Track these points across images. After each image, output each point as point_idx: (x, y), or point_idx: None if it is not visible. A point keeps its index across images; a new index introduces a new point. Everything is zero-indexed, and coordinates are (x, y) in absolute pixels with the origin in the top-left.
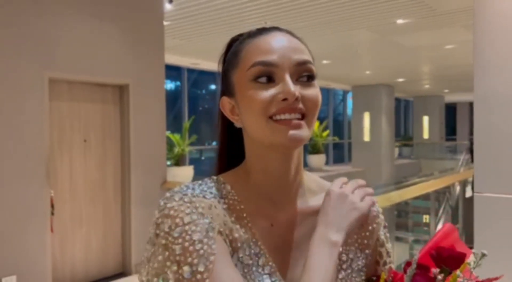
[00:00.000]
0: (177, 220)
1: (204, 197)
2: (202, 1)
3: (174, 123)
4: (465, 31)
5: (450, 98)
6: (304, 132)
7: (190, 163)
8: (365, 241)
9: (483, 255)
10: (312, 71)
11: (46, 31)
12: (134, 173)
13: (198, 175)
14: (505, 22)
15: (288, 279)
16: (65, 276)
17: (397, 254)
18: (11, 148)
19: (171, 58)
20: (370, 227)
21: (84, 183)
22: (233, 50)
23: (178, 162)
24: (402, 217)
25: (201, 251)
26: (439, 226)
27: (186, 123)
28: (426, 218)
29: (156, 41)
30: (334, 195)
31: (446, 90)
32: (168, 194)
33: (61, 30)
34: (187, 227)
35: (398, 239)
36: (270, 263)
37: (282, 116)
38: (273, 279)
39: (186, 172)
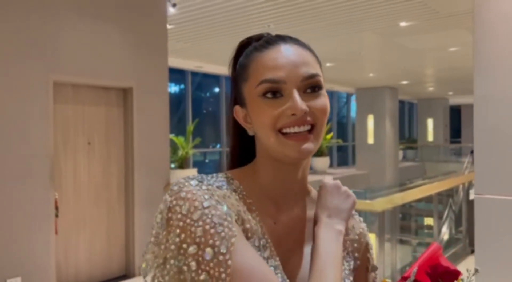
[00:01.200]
0: (196, 203)
1: (217, 187)
2: (206, 5)
3: (178, 126)
4: (468, 34)
5: (455, 100)
6: (313, 144)
7: (194, 166)
8: (355, 245)
9: (476, 271)
10: (319, 83)
11: (51, 35)
12: (138, 176)
13: None
14: (505, 24)
15: (287, 274)
16: (69, 278)
17: (400, 257)
18: (16, 150)
19: (175, 62)
20: (357, 231)
21: (88, 185)
22: (241, 63)
23: (182, 164)
24: (406, 220)
25: (223, 234)
26: (444, 229)
27: (190, 126)
28: (430, 221)
29: (159, 44)
30: (330, 186)
31: (450, 93)
32: (182, 180)
33: (65, 34)
34: (207, 211)
35: (402, 242)
36: (274, 257)
37: (292, 130)
38: (277, 272)
39: (189, 175)
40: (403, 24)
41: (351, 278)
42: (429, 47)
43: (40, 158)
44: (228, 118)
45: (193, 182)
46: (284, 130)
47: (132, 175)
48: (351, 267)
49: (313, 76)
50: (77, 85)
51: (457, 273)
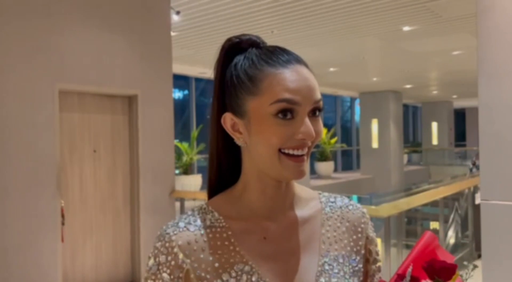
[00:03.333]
0: (157, 259)
1: (188, 229)
2: (209, 12)
3: (182, 132)
4: (471, 37)
5: (459, 103)
6: (306, 166)
7: (198, 172)
8: (360, 243)
9: (475, 266)
10: (321, 107)
11: (56, 44)
12: (143, 182)
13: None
14: (509, 27)
15: None
16: None
17: None
18: (22, 159)
19: (179, 68)
20: (359, 229)
21: (94, 193)
22: (249, 74)
23: (187, 170)
24: (412, 224)
25: None
26: (450, 233)
27: (194, 132)
28: (436, 225)
29: (164, 51)
30: None
31: (455, 96)
32: (158, 232)
33: (70, 43)
34: (160, 267)
35: (408, 247)
36: (264, 279)
37: (294, 152)
38: None
39: (194, 181)
40: (406, 28)
41: (360, 275)
42: (433, 51)
43: (46, 166)
44: (212, 125)
45: (162, 236)
46: (286, 151)
47: (138, 182)
48: (360, 265)
49: (320, 100)
50: (82, 94)
51: (454, 268)
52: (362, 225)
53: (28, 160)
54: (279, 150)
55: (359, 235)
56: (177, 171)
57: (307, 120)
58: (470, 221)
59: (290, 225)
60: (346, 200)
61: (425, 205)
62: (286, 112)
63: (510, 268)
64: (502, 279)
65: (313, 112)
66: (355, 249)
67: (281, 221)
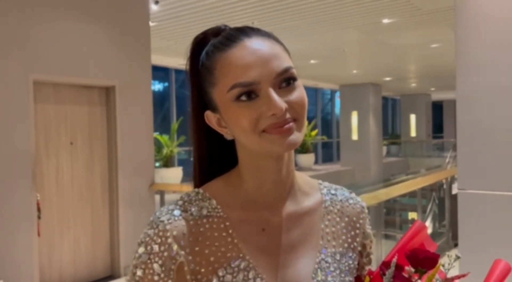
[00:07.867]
0: (148, 247)
1: (184, 218)
2: (188, 2)
3: (162, 125)
4: (450, 30)
5: (437, 96)
6: (298, 136)
7: (179, 164)
8: (357, 239)
9: (458, 257)
10: (293, 76)
11: (31, 34)
12: (122, 175)
13: (187, 176)
14: (486, 21)
15: (280, 280)
16: (52, 280)
17: (386, 252)
18: None
19: (158, 59)
20: (357, 225)
21: (71, 186)
22: (205, 65)
23: (167, 163)
24: (391, 215)
25: None
26: (427, 223)
27: (175, 124)
28: (414, 215)
29: (142, 42)
30: None
31: (433, 89)
32: (151, 218)
33: (46, 33)
34: (152, 256)
35: (387, 237)
36: (260, 275)
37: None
38: None
39: (174, 173)
40: (385, 21)
41: (355, 273)
42: (411, 44)
43: (21, 159)
44: (193, 124)
45: (155, 223)
46: (268, 131)
47: (116, 175)
48: (355, 263)
49: (286, 70)
50: (58, 84)
51: (436, 257)
52: (361, 221)
53: (2, 152)
54: (263, 132)
55: (357, 231)
56: (157, 164)
57: (271, 94)
58: (447, 210)
59: (290, 217)
60: (346, 193)
61: (404, 195)
62: (248, 94)
63: (486, 256)
64: (479, 267)
65: (286, 83)
66: (352, 246)
67: (281, 213)
